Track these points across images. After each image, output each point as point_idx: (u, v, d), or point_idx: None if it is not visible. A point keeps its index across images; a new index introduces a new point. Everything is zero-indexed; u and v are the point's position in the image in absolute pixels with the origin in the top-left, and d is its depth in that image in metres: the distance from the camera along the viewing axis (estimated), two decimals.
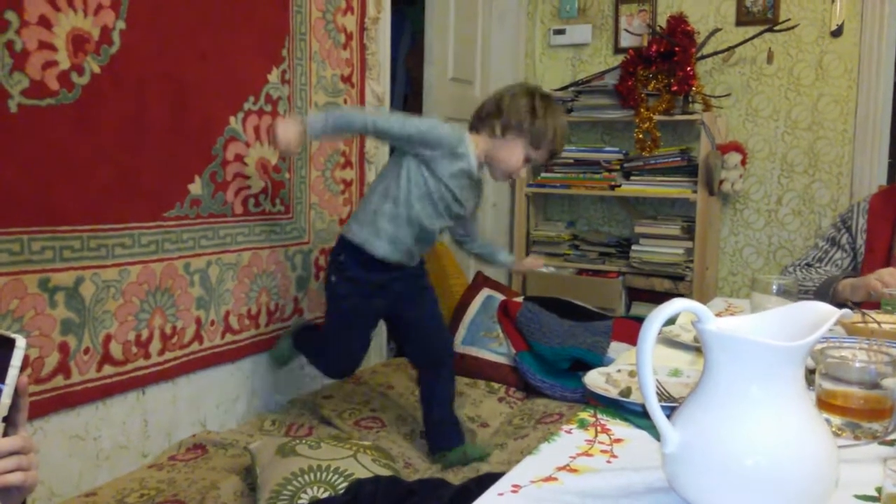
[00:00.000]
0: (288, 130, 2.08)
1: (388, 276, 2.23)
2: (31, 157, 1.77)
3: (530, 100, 2.15)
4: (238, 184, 2.36)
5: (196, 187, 2.21)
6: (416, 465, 2.23)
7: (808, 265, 2.13)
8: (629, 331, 2.71)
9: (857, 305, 1.81)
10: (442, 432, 2.29)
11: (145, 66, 2.03)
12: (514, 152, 2.15)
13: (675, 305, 0.76)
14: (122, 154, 1.99)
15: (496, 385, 2.76)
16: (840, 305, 1.85)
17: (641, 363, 0.78)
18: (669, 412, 0.80)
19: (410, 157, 2.15)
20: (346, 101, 2.82)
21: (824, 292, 1.94)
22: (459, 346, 2.89)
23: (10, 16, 1.71)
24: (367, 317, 2.32)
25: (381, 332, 3.20)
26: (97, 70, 1.90)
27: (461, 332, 2.95)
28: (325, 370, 2.43)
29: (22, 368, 0.87)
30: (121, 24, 1.95)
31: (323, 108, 2.18)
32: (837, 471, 0.74)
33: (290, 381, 2.68)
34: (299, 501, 1.73)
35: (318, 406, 2.52)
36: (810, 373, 1.18)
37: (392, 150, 2.23)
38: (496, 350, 2.87)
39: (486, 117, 2.18)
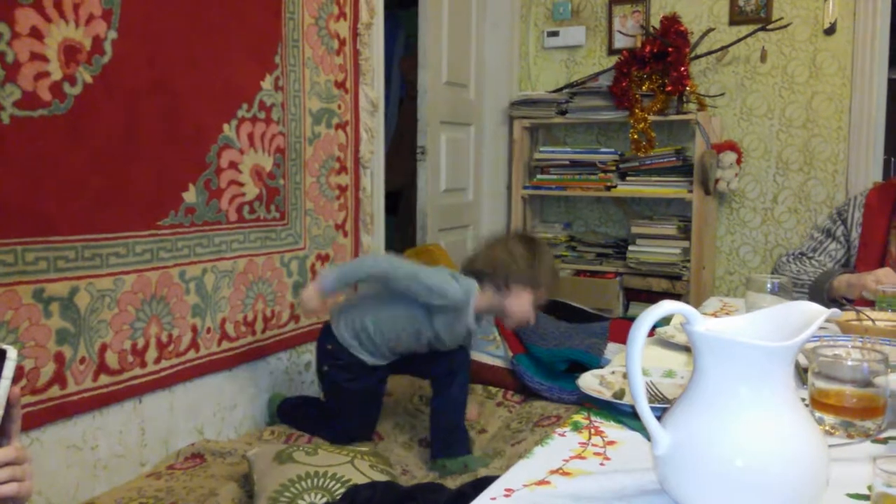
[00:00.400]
0: (309, 301, 2.26)
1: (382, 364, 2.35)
2: (24, 168, 1.77)
3: (524, 249, 2.24)
4: (232, 191, 2.36)
5: (190, 195, 2.21)
6: (413, 472, 2.23)
7: (802, 254, 2.14)
8: (627, 331, 2.70)
9: (850, 302, 1.82)
10: (448, 439, 2.28)
11: (138, 76, 2.03)
12: (523, 301, 2.22)
13: (663, 308, 0.76)
14: (116, 163, 1.99)
15: (494, 389, 2.76)
16: (834, 302, 1.86)
17: (631, 365, 0.78)
18: (662, 414, 0.80)
19: (411, 298, 2.23)
20: (339, 107, 2.82)
21: (819, 288, 1.94)
22: None
23: (2, 27, 1.71)
24: (372, 393, 2.39)
25: None
26: (89, 80, 1.90)
27: None
28: (332, 439, 2.33)
29: (16, 379, 0.87)
30: (112, 34, 1.95)
31: (334, 266, 2.39)
32: (828, 470, 0.74)
33: (289, 388, 2.68)
34: None
35: None
36: (804, 371, 1.18)
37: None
38: (493, 353, 2.86)
39: (487, 275, 2.24)
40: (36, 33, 1.78)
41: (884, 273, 1.81)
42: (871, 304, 1.72)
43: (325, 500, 1.74)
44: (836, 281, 1.91)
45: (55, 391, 1.86)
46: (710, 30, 3.78)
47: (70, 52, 1.85)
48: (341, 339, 2.31)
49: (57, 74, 1.83)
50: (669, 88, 3.59)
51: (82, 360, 1.92)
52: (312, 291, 2.26)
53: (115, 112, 1.97)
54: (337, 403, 2.38)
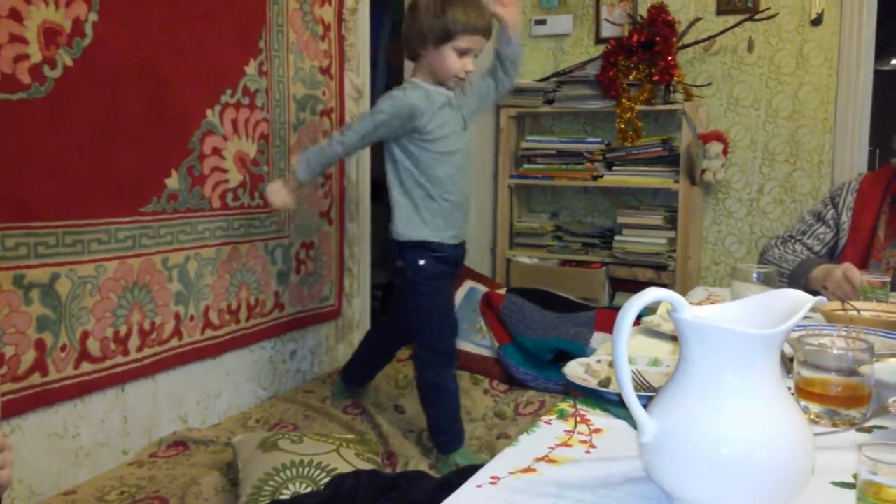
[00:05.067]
0: (277, 193, 2.19)
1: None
2: (3, 153, 1.74)
3: (410, 11, 2.17)
4: (216, 178, 2.33)
5: (173, 181, 2.19)
6: (403, 453, 2.22)
7: (791, 237, 2.16)
8: (612, 321, 2.70)
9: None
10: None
11: (119, 59, 2.00)
12: (443, 58, 2.12)
13: (649, 295, 0.75)
14: (97, 148, 1.96)
15: (480, 377, 2.76)
16: (813, 293, 1.86)
17: (617, 353, 0.77)
18: (648, 402, 0.80)
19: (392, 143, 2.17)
20: (324, 94, 2.79)
21: (797, 279, 1.95)
22: None
23: None
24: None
25: (364, 325, 3.19)
26: (70, 63, 1.87)
27: None
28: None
29: None
30: (93, 17, 1.92)
31: (303, 149, 2.28)
32: (813, 458, 0.73)
33: (273, 376, 2.67)
34: (281, 497, 1.72)
35: (303, 401, 2.51)
36: (789, 360, 1.19)
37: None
38: (479, 342, 2.86)
39: (407, 44, 2.20)
40: (15, 15, 1.75)
41: (847, 269, 1.78)
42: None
43: (309, 489, 1.73)
44: (812, 273, 1.92)
45: (36, 378, 1.84)
46: (698, 19, 3.78)
47: (50, 35, 1.82)
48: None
49: (37, 57, 1.80)
50: (656, 78, 3.59)
51: (63, 348, 1.90)
52: (280, 185, 2.20)
53: (97, 96, 1.94)
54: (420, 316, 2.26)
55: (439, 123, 2.14)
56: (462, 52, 2.12)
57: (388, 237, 2.27)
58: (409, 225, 2.19)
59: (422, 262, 2.19)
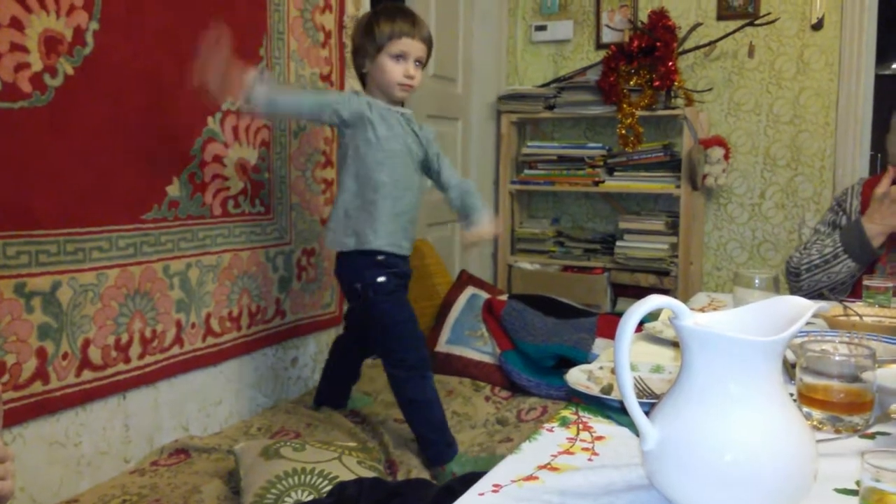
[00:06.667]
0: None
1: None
2: (5, 161, 1.74)
3: (357, 24, 2.24)
4: (217, 185, 2.33)
5: (174, 189, 2.19)
6: (405, 462, 2.21)
7: (806, 247, 2.15)
8: (614, 327, 2.70)
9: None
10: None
11: (120, 67, 2.00)
12: (382, 68, 2.17)
13: (651, 302, 0.75)
14: (98, 156, 1.96)
15: (481, 384, 2.75)
16: (871, 253, 1.90)
17: (619, 360, 0.77)
18: (650, 409, 0.80)
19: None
20: None
21: (855, 242, 1.95)
22: (444, 346, 2.88)
23: None
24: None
25: None
26: (70, 71, 1.87)
27: (445, 331, 2.94)
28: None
29: None
30: (94, 25, 1.92)
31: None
32: (816, 465, 0.73)
33: (275, 384, 2.66)
34: None
35: (304, 409, 2.51)
36: (791, 366, 1.18)
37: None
38: (481, 349, 2.85)
39: (355, 69, 2.27)
40: (16, 24, 1.75)
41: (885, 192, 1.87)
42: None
43: (311, 496, 1.72)
44: (863, 224, 1.93)
45: (37, 387, 1.83)
46: (698, 25, 3.78)
47: (51, 43, 1.82)
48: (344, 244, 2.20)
49: (37, 65, 1.80)
50: (657, 83, 3.59)
51: (65, 356, 1.89)
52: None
53: (98, 104, 1.95)
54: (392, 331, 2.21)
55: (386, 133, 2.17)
56: (398, 57, 2.15)
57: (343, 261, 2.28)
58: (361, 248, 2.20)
59: (381, 280, 2.18)
